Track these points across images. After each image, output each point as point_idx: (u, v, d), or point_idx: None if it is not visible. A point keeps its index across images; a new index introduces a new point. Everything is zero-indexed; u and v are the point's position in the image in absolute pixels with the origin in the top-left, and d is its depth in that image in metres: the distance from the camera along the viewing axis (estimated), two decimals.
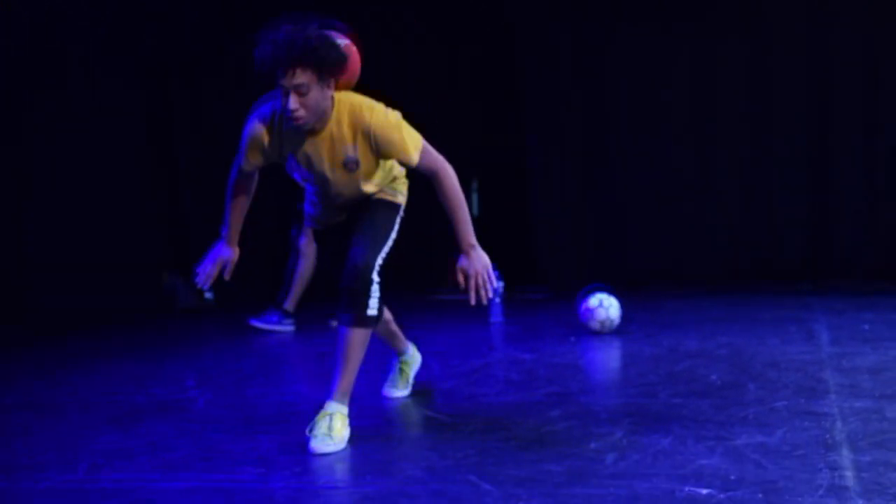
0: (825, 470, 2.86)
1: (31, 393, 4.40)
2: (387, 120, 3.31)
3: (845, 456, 3.00)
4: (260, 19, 3.28)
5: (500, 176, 8.04)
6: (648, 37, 7.31)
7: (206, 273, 3.53)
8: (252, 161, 3.42)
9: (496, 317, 6.15)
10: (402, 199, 3.67)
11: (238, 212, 3.55)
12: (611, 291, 5.63)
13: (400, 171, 3.64)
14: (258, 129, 3.34)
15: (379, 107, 3.34)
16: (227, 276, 3.54)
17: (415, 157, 3.36)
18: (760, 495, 2.64)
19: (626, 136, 7.37)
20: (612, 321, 5.51)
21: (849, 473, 2.83)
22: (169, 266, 7.09)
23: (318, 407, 3.36)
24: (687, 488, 2.72)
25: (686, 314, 6.19)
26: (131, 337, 5.85)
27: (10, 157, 6.36)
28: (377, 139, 3.32)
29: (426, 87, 7.59)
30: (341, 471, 3.01)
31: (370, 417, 3.72)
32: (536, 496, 2.69)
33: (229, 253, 3.57)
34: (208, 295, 7.09)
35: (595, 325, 5.53)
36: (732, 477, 2.82)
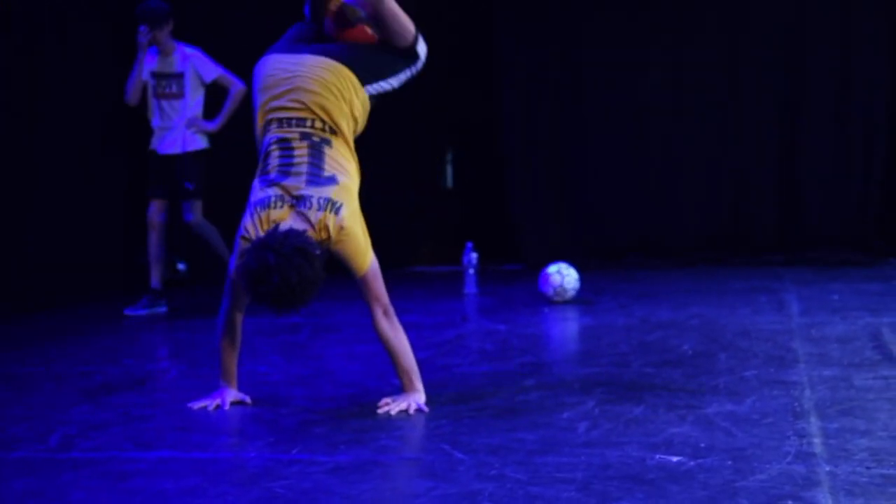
0: (793, 437, 2.90)
1: (2, 365, 4.37)
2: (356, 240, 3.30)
3: (813, 423, 3.04)
4: None
5: (473, 146, 8.02)
6: (625, 14, 7.29)
7: (201, 407, 3.45)
8: (241, 300, 3.39)
9: (470, 288, 6.18)
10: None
11: (233, 356, 3.49)
12: (573, 265, 5.71)
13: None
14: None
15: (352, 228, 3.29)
16: (226, 408, 3.47)
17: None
18: (730, 462, 2.67)
19: (600, 110, 7.36)
20: (565, 290, 5.60)
21: (816, 440, 2.87)
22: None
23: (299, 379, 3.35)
24: (658, 456, 2.75)
25: (658, 286, 6.24)
26: (103, 311, 5.81)
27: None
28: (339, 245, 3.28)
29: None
30: (314, 441, 3.02)
31: (344, 387, 3.73)
32: (509, 464, 2.71)
33: (232, 395, 3.50)
34: (181, 266, 7.06)
35: (549, 292, 5.61)
36: (702, 445, 2.85)
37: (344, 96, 3.36)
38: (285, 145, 3.32)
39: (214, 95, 5.89)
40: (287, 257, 3.04)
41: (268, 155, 3.34)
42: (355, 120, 3.42)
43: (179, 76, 5.78)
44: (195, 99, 5.82)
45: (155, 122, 5.84)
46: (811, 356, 3.99)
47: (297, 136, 3.33)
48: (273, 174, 3.31)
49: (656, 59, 7.31)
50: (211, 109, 5.88)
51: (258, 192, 3.32)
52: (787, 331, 4.57)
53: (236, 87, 5.73)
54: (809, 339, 4.34)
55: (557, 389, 3.57)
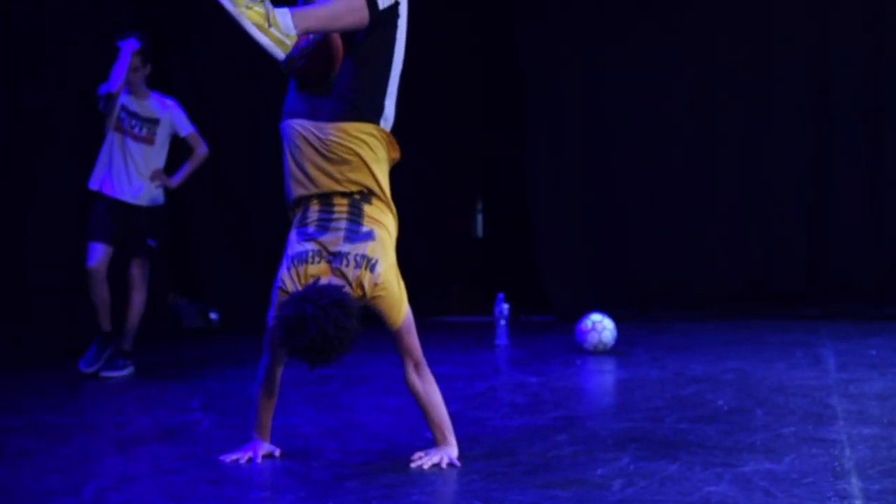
0: (834, 498, 2.84)
1: (35, 415, 4.39)
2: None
3: (854, 484, 2.98)
4: None
5: (504, 196, 8.04)
6: (648, 56, 7.32)
7: (233, 459, 3.44)
8: (280, 354, 3.37)
9: (501, 339, 6.14)
10: None
11: (269, 409, 3.49)
12: (608, 315, 5.70)
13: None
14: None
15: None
16: (258, 461, 3.45)
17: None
18: None
19: (630, 160, 7.36)
20: (604, 344, 5.62)
21: (858, 502, 2.81)
22: (173, 287, 7.08)
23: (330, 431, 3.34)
24: None
25: (691, 337, 6.17)
26: (136, 358, 5.84)
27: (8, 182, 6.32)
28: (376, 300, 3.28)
29: (431, 107, 7.59)
30: (346, 495, 3.00)
31: (375, 440, 3.70)
32: None
33: (264, 448, 3.49)
34: (213, 315, 7.07)
35: (588, 348, 5.63)
36: None
37: (368, 156, 3.30)
38: (325, 200, 3.32)
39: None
40: (325, 309, 3.05)
41: (306, 207, 3.34)
42: (387, 160, 3.36)
43: (154, 122, 5.46)
44: (164, 150, 5.54)
45: (113, 158, 5.39)
46: (850, 413, 3.92)
47: (336, 194, 3.32)
48: (311, 228, 3.32)
49: (685, 111, 7.32)
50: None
51: (295, 246, 3.33)
52: (825, 387, 4.49)
53: (202, 150, 5.53)
54: (848, 396, 4.26)
55: (591, 444, 3.53)
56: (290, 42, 3.13)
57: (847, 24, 7.12)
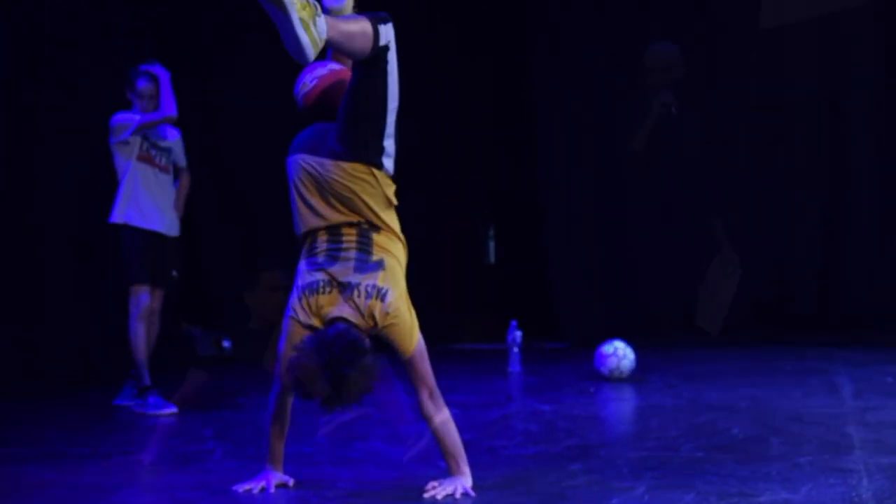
0: None
1: (51, 445, 4.37)
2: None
3: None
4: None
5: (516, 222, 8.04)
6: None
7: (246, 490, 3.42)
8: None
9: (514, 366, 6.12)
10: None
11: (281, 439, 3.47)
12: (630, 345, 5.67)
13: None
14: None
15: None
16: (271, 491, 3.43)
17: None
18: None
19: (642, 189, 7.35)
20: (621, 371, 5.59)
21: None
22: (186, 315, 7.06)
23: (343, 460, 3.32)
24: None
25: (706, 365, 6.13)
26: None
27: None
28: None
29: (444, 137, 7.61)
30: None
31: (388, 469, 3.67)
32: None
33: (277, 478, 3.47)
34: (226, 344, 7.05)
35: (604, 372, 5.60)
36: None
37: (366, 193, 3.29)
38: (333, 230, 3.31)
39: None
40: (339, 357, 3.07)
41: (315, 238, 3.33)
42: (384, 198, 3.32)
43: (168, 151, 5.38)
44: (174, 179, 5.47)
45: (139, 189, 5.23)
46: (867, 442, 3.87)
47: (344, 224, 3.32)
48: (321, 259, 3.31)
49: (696, 143, 7.29)
50: None
51: (306, 276, 3.32)
52: (841, 415, 4.44)
53: (188, 183, 5.49)
54: (865, 425, 4.21)
55: (605, 473, 3.49)
56: (320, 45, 3.08)
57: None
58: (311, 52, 3.05)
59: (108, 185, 5.50)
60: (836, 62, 7.14)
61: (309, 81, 3.43)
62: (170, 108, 5.24)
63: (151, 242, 5.27)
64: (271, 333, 4.11)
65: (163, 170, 5.37)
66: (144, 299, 5.22)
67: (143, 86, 5.29)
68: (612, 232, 7.37)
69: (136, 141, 5.28)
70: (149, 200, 5.28)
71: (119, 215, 5.28)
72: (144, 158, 5.29)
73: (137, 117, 5.28)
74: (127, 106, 5.40)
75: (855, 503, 3.05)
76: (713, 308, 7.09)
